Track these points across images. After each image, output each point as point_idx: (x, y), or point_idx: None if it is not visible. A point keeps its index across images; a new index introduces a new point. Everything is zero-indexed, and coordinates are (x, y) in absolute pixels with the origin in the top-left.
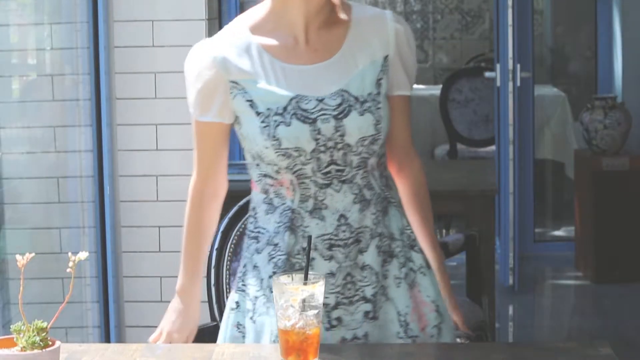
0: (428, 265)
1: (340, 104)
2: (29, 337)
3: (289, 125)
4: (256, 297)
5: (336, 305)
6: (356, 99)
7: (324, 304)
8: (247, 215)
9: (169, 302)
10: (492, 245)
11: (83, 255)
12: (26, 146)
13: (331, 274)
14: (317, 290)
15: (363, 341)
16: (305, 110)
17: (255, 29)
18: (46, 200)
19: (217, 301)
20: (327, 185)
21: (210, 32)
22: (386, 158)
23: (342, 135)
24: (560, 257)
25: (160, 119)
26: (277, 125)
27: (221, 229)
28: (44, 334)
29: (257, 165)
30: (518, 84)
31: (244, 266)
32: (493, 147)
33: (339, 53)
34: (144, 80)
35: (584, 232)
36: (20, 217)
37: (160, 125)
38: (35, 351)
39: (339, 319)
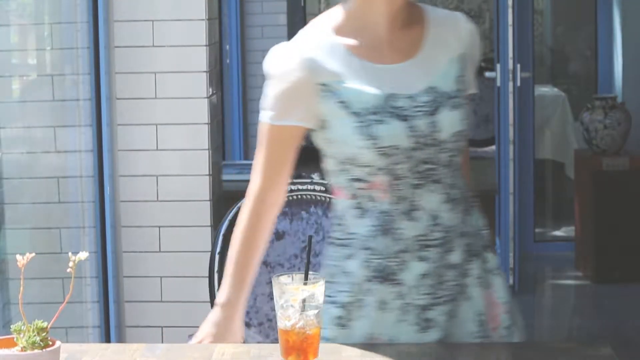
0: (499, 267)
1: (431, 101)
2: (29, 337)
3: (385, 123)
4: (349, 303)
5: (429, 306)
6: (446, 95)
7: (416, 306)
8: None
9: (169, 302)
10: (492, 245)
11: (83, 255)
12: (26, 146)
13: (423, 275)
14: (317, 290)
15: (447, 341)
16: (398, 108)
17: (339, 30)
18: (46, 200)
19: None
20: (420, 186)
21: (210, 32)
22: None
23: (436, 132)
24: (561, 257)
25: (160, 119)
26: (374, 124)
27: (222, 232)
28: (44, 334)
29: (346, 170)
30: (518, 84)
31: (332, 276)
32: (493, 147)
33: (422, 52)
34: (144, 80)
35: (584, 232)
36: (20, 217)
37: (160, 125)
38: (36, 351)
39: (432, 320)
